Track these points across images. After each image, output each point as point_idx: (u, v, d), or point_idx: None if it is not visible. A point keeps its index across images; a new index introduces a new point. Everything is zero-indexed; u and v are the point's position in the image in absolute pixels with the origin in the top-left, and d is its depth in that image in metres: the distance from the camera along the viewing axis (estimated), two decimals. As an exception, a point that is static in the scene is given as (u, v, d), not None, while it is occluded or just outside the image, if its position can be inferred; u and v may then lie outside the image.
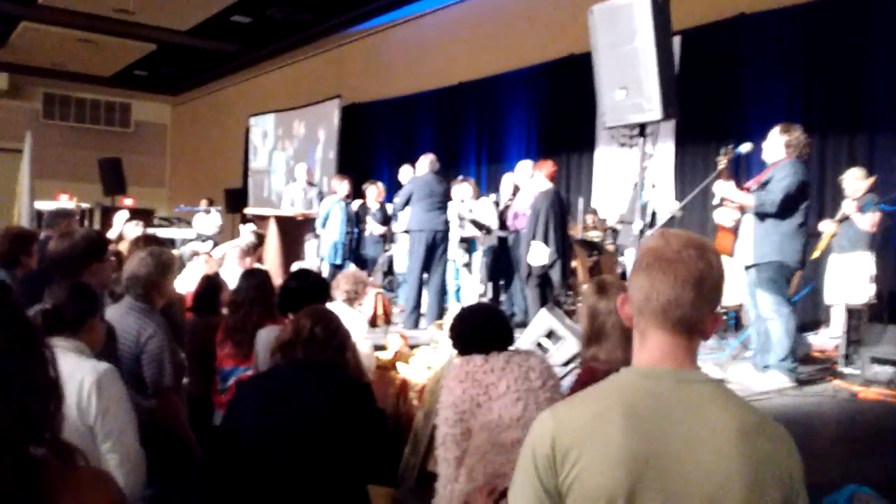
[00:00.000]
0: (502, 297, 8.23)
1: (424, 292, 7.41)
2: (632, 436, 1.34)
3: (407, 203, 7.41)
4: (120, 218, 8.26)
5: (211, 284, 4.77)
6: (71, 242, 3.32)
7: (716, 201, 5.51)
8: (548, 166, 7.00)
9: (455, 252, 8.13)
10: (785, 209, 4.84)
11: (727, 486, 1.31)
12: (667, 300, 1.40)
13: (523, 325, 6.30)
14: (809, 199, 5.08)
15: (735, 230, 5.23)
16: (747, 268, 5.14)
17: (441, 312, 7.15)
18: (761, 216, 4.95)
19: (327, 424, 2.54)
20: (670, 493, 1.32)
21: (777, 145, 5.03)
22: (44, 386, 1.21)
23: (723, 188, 5.20)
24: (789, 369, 4.88)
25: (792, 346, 4.91)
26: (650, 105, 4.51)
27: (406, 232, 7.75)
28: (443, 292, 7.50)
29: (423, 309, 7.41)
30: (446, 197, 7.57)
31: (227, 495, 2.56)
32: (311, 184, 10.15)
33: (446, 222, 7.39)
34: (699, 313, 1.41)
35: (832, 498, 2.80)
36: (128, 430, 2.38)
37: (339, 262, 8.47)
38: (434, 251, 7.27)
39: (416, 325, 7.20)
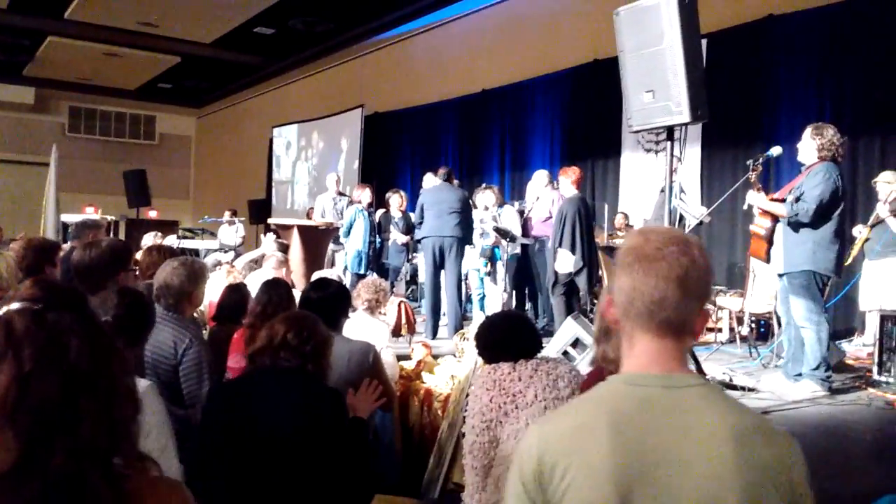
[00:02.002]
0: (527, 306, 8.14)
1: (443, 300, 7.33)
2: (619, 447, 1.28)
3: (423, 214, 7.38)
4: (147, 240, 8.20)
5: (236, 294, 4.74)
6: (98, 252, 3.29)
7: (744, 207, 5.42)
8: (573, 172, 6.92)
9: (477, 261, 8.06)
10: (819, 217, 4.70)
11: (721, 493, 1.25)
12: (651, 301, 1.33)
13: (549, 333, 6.22)
14: (844, 203, 4.94)
15: (768, 238, 5.10)
16: (780, 275, 5.02)
17: (460, 320, 7.08)
18: (794, 225, 4.82)
19: (288, 432, 2.48)
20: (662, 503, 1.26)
21: (810, 148, 4.88)
22: (125, 393, 1.19)
23: (755, 198, 5.09)
24: (822, 378, 4.75)
25: (825, 355, 4.79)
26: (678, 107, 4.39)
27: (418, 241, 7.73)
28: (458, 299, 7.38)
29: (444, 318, 7.33)
30: (459, 203, 7.41)
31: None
32: (341, 193, 10.02)
33: (456, 227, 7.22)
34: (686, 312, 1.34)
35: (869, 509, 2.69)
36: (169, 447, 2.33)
37: (362, 271, 8.43)
38: (443, 257, 7.19)
39: (434, 333, 7.12)
